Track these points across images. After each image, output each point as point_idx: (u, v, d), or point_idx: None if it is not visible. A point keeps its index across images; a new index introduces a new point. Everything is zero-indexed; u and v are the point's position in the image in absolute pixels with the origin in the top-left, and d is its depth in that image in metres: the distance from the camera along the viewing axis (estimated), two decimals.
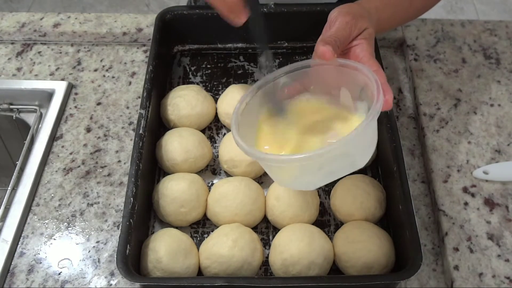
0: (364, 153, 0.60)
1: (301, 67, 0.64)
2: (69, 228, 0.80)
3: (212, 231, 0.77)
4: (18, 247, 0.78)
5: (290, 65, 0.65)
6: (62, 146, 0.89)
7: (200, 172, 0.85)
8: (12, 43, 1.04)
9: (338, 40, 0.61)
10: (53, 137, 0.90)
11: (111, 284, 0.74)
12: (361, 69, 0.59)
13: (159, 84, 0.91)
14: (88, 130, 0.91)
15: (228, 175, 0.85)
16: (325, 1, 0.94)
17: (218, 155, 0.85)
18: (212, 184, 0.84)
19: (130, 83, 0.97)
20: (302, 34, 0.99)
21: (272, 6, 0.94)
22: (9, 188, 0.85)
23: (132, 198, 0.72)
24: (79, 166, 0.86)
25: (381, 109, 0.54)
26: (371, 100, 0.56)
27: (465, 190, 0.80)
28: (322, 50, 0.59)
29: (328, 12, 0.94)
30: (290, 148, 0.61)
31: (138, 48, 1.03)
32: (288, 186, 0.65)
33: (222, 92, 0.92)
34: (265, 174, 0.85)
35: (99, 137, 0.90)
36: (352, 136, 0.53)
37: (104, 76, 0.98)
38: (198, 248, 0.75)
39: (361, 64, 0.60)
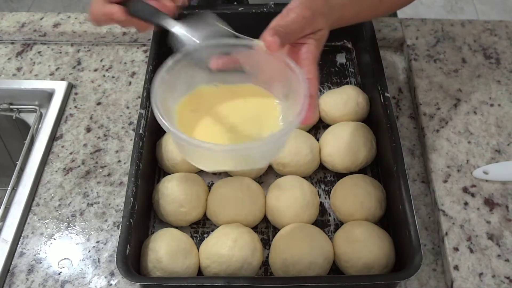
0: (267, 158, 0.62)
1: (246, 46, 0.61)
2: (69, 228, 0.80)
3: (212, 231, 0.77)
4: (18, 247, 0.78)
5: (235, 39, 0.62)
6: (62, 146, 0.89)
7: (200, 172, 0.85)
8: (12, 43, 1.04)
9: (289, 34, 0.59)
10: (53, 137, 0.90)
11: (111, 284, 0.74)
12: (298, 74, 0.58)
13: None
14: (88, 130, 0.91)
15: (228, 175, 0.84)
16: None
17: None
18: (212, 184, 0.84)
19: (130, 83, 0.97)
20: None
21: (272, 5, 0.94)
22: (9, 188, 0.85)
23: (132, 198, 0.72)
24: (79, 166, 0.86)
25: (300, 124, 0.55)
26: (294, 106, 0.56)
27: (465, 190, 0.79)
28: (269, 41, 0.57)
29: None
30: (204, 125, 0.61)
31: (138, 48, 1.03)
32: (190, 161, 0.64)
33: None
34: (265, 174, 0.85)
35: (99, 137, 0.89)
36: (262, 143, 0.55)
37: (104, 76, 0.98)
38: (198, 248, 0.75)
39: (299, 69, 0.58)
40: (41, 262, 0.76)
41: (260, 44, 0.59)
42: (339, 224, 0.79)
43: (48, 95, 0.95)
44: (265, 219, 0.80)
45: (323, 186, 0.84)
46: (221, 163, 0.60)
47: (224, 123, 0.61)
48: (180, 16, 0.69)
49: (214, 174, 0.85)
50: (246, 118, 0.62)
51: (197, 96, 0.63)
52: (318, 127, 0.90)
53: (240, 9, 0.94)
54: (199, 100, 0.63)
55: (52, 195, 0.83)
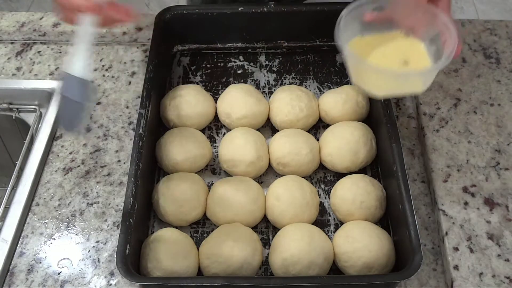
0: (426, 84, 0.71)
1: None
2: (68, 228, 0.79)
3: (212, 231, 0.77)
4: (17, 247, 0.78)
5: None
6: (62, 146, 0.89)
7: (200, 172, 0.84)
8: (12, 43, 1.04)
9: None
10: (53, 136, 0.89)
11: (110, 284, 0.74)
12: (442, 18, 0.70)
13: (159, 83, 0.91)
14: (88, 129, 0.90)
15: (228, 174, 0.84)
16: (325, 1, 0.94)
17: (218, 154, 0.85)
18: (212, 184, 0.84)
19: (129, 82, 0.97)
20: (302, 34, 0.99)
21: (272, 5, 0.94)
22: (8, 188, 0.85)
23: (132, 198, 0.72)
24: (78, 166, 0.86)
25: (453, 57, 0.66)
26: (442, 46, 0.69)
27: (465, 190, 0.79)
28: None
29: (328, 11, 0.95)
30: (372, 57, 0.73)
31: (137, 47, 1.03)
32: (363, 87, 0.74)
33: (222, 92, 0.92)
34: (265, 174, 0.85)
35: (98, 137, 0.89)
36: (430, 68, 0.70)
37: (103, 75, 0.98)
38: (198, 248, 0.75)
39: (445, 15, 0.70)
40: (40, 262, 0.76)
41: None
42: (339, 224, 0.79)
43: (48, 95, 0.94)
44: (265, 219, 0.80)
45: (323, 186, 0.84)
46: (389, 85, 0.71)
47: (387, 60, 0.72)
48: None
49: (214, 174, 0.85)
50: (402, 56, 0.73)
51: (357, 43, 0.74)
52: (318, 127, 0.90)
53: (240, 9, 0.94)
54: (361, 45, 0.74)
55: (52, 195, 0.83)
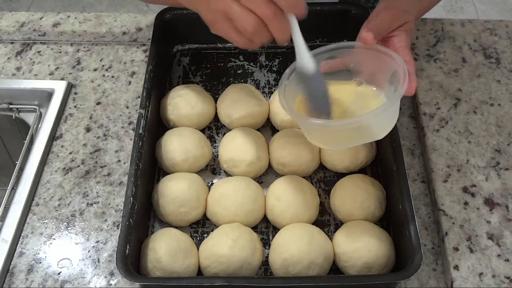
0: (384, 128, 0.69)
1: (347, 47, 0.73)
2: (68, 228, 0.79)
3: (212, 231, 0.77)
4: (17, 247, 0.78)
5: (337, 43, 0.73)
6: (62, 146, 0.89)
7: (200, 172, 0.84)
8: (12, 43, 1.04)
9: (380, 29, 0.70)
10: (53, 136, 0.89)
11: (110, 284, 0.74)
12: (394, 58, 0.68)
13: (159, 83, 0.91)
14: (88, 129, 0.90)
15: (228, 174, 0.84)
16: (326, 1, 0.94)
17: (218, 154, 0.85)
18: (212, 184, 0.84)
19: (129, 82, 0.97)
20: (302, 34, 0.99)
21: None
22: (8, 188, 0.85)
23: (131, 198, 0.72)
24: (78, 166, 0.86)
25: (404, 94, 0.64)
26: (397, 84, 0.66)
27: (465, 189, 0.79)
28: (364, 36, 0.68)
29: (328, 11, 0.95)
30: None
31: (137, 47, 1.03)
32: (318, 145, 0.75)
33: (222, 92, 0.92)
34: (265, 174, 0.85)
35: (98, 137, 0.89)
36: (376, 112, 0.64)
37: (103, 75, 0.98)
38: (198, 248, 0.75)
39: (395, 54, 0.68)
40: (40, 262, 0.76)
41: (357, 43, 0.70)
42: (339, 224, 0.79)
43: (48, 95, 0.95)
44: (265, 219, 0.80)
45: (323, 186, 0.84)
46: (343, 138, 0.69)
47: (337, 111, 0.70)
48: None
49: (214, 174, 0.85)
50: (356, 105, 0.71)
51: (300, 100, 0.72)
52: None
53: None
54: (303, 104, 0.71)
55: (52, 195, 0.83)
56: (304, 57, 0.67)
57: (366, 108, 0.70)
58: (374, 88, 0.72)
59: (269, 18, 0.60)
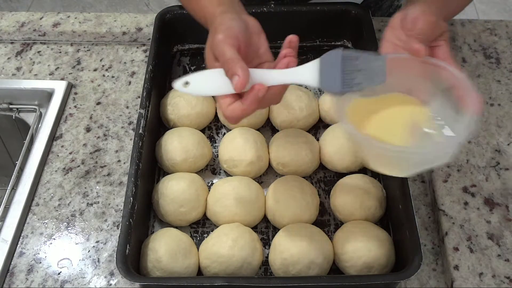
0: (455, 151, 0.62)
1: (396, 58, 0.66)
2: (68, 228, 0.79)
3: (212, 231, 0.77)
4: (17, 247, 0.78)
5: (390, 53, 0.66)
6: (62, 146, 0.89)
7: (200, 172, 0.84)
8: (12, 43, 1.04)
9: (425, 40, 0.64)
10: (53, 136, 0.89)
11: (110, 284, 0.74)
12: (450, 70, 0.62)
13: (159, 83, 0.91)
14: (88, 129, 0.90)
15: (228, 174, 0.84)
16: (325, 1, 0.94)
17: (218, 154, 0.85)
18: (212, 183, 0.84)
19: (129, 82, 0.97)
20: (302, 34, 0.99)
21: (272, 5, 0.94)
22: (8, 188, 0.85)
23: (131, 198, 0.72)
24: (78, 166, 0.86)
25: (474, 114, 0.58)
26: (457, 101, 0.60)
27: (465, 189, 0.79)
28: (417, 48, 0.62)
29: (328, 11, 0.95)
30: (373, 128, 0.63)
31: (137, 47, 1.03)
32: (378, 170, 0.67)
33: None
34: (265, 174, 0.85)
35: (98, 137, 0.89)
36: (457, 138, 0.58)
37: (103, 75, 0.98)
38: (197, 248, 0.75)
39: (450, 66, 0.62)
40: (40, 262, 0.76)
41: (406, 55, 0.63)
42: (339, 224, 0.79)
43: (48, 95, 0.95)
44: (265, 219, 0.80)
45: (323, 186, 0.84)
46: (415, 162, 0.62)
47: (385, 130, 0.63)
48: None
49: (214, 174, 0.85)
50: (403, 124, 0.64)
51: (352, 109, 0.64)
52: (318, 127, 0.90)
53: None
54: (355, 112, 0.64)
55: (52, 195, 0.83)
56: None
57: (423, 124, 0.63)
58: (423, 103, 0.65)
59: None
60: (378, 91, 0.64)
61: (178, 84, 0.60)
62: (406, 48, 0.64)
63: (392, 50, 0.66)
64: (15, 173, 0.87)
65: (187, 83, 0.60)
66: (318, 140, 0.86)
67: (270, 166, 0.85)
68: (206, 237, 0.77)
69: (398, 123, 0.64)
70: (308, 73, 0.61)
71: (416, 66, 0.64)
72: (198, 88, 0.61)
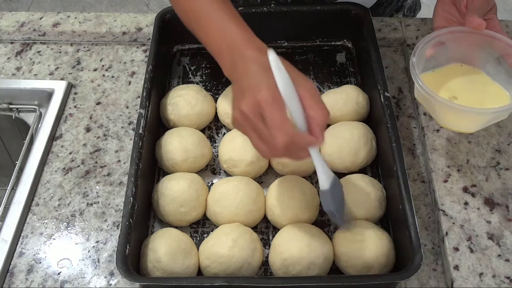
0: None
1: (455, 31, 0.74)
2: (68, 228, 0.79)
3: (212, 231, 0.77)
4: (17, 247, 0.78)
5: (447, 28, 0.75)
6: (62, 146, 0.89)
7: (200, 172, 0.84)
8: (12, 43, 1.04)
9: (480, 14, 0.72)
10: (53, 136, 0.89)
11: (110, 284, 0.74)
12: (504, 40, 0.71)
13: (159, 83, 0.91)
14: (88, 129, 0.90)
15: (228, 174, 0.84)
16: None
17: (218, 154, 0.85)
18: (212, 183, 0.84)
19: (129, 82, 0.97)
20: (302, 33, 0.99)
21: (272, 5, 0.94)
22: (8, 188, 0.85)
23: (131, 198, 0.72)
24: (78, 166, 0.86)
25: None
26: (511, 67, 0.70)
27: (465, 189, 0.79)
28: (479, 22, 0.70)
29: (328, 11, 0.95)
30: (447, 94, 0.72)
31: (137, 47, 1.03)
32: (449, 126, 0.76)
33: (222, 92, 0.92)
34: (265, 174, 0.85)
35: (98, 137, 0.89)
36: None
37: (103, 75, 0.98)
38: (198, 248, 0.75)
39: (503, 36, 0.71)
40: (40, 262, 0.76)
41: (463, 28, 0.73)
42: None
43: (48, 95, 0.95)
44: (265, 219, 0.80)
45: None
46: (483, 121, 0.70)
47: (468, 100, 0.72)
48: None
49: (214, 174, 0.85)
50: (472, 91, 0.73)
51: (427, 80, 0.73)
52: None
53: (240, 9, 0.94)
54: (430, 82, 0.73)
55: (52, 195, 0.83)
56: (321, 176, 0.69)
57: (487, 90, 0.72)
58: (482, 71, 0.74)
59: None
60: (439, 63, 0.74)
61: None
62: (463, 22, 0.72)
63: (445, 23, 0.75)
64: (15, 173, 0.87)
65: None
66: None
67: (270, 166, 0.84)
68: (206, 237, 0.77)
69: (465, 88, 0.73)
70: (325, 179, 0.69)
71: (471, 38, 0.72)
72: None
